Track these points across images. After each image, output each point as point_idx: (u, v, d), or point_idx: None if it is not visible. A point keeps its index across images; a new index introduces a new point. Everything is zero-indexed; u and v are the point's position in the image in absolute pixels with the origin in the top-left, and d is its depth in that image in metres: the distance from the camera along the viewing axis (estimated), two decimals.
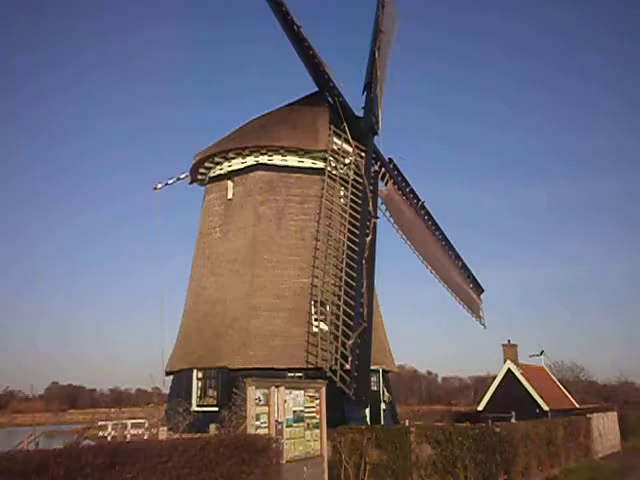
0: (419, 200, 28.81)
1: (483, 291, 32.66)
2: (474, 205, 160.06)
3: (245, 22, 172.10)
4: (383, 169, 26.88)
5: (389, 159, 27.67)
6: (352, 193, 23.61)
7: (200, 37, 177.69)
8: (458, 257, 31.05)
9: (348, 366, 19.94)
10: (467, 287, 31.61)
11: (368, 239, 22.78)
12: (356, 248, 22.24)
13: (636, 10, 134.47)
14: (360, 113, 25.95)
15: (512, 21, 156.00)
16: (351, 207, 23.21)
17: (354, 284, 21.48)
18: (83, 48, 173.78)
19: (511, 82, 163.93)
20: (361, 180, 24.02)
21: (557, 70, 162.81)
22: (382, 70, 27.17)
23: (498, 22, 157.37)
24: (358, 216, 23.08)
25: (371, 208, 23.81)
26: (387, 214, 26.96)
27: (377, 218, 24.15)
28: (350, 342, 20.27)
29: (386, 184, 27.10)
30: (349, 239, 22.41)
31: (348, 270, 21.69)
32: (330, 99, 25.11)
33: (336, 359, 19.98)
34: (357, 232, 22.58)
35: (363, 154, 25.03)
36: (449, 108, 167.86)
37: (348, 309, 20.80)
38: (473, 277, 31.98)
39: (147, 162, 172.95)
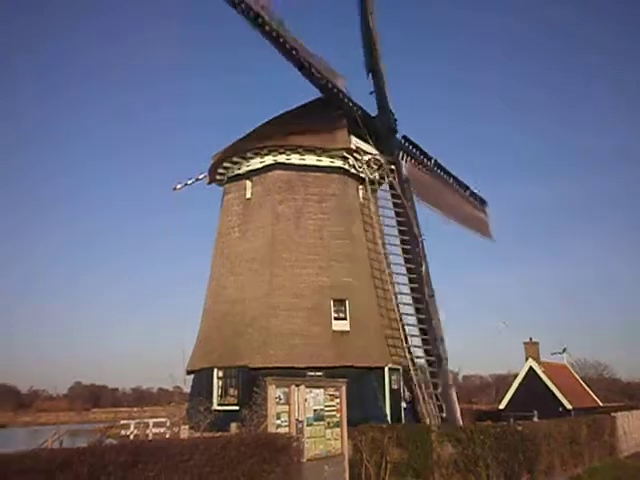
0: (431, 159, 29.22)
1: (485, 202, 33.44)
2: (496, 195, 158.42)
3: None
4: (402, 151, 27.13)
5: (403, 137, 27.85)
6: (398, 222, 24.49)
7: (210, 37, 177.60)
8: (465, 186, 31.60)
9: (444, 414, 21.58)
10: (477, 212, 32.56)
11: (423, 269, 23.59)
12: (416, 285, 23.53)
13: (636, 10, 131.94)
14: (368, 99, 26.49)
15: (512, 21, 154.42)
16: (402, 240, 24.28)
17: (426, 327, 22.86)
18: (83, 49, 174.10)
19: (512, 82, 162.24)
20: (400, 201, 24.41)
21: (557, 69, 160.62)
22: (379, 42, 26.98)
23: (498, 22, 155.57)
24: (409, 247, 24.12)
25: (416, 230, 24.19)
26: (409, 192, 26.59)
27: (423, 238, 24.76)
28: (439, 391, 21.20)
29: (406, 162, 27.29)
30: (410, 280, 23.69)
31: (419, 314, 23.18)
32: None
33: (436, 417, 21.55)
34: (413, 267, 23.69)
35: (393, 167, 25.12)
36: (449, 108, 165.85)
37: (429, 357, 22.60)
38: (476, 195, 32.56)
39: (154, 163, 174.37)
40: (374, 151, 25.22)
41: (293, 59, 21.64)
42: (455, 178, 30.94)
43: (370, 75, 26.65)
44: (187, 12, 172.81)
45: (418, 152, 28.66)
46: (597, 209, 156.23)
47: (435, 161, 29.50)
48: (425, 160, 29.05)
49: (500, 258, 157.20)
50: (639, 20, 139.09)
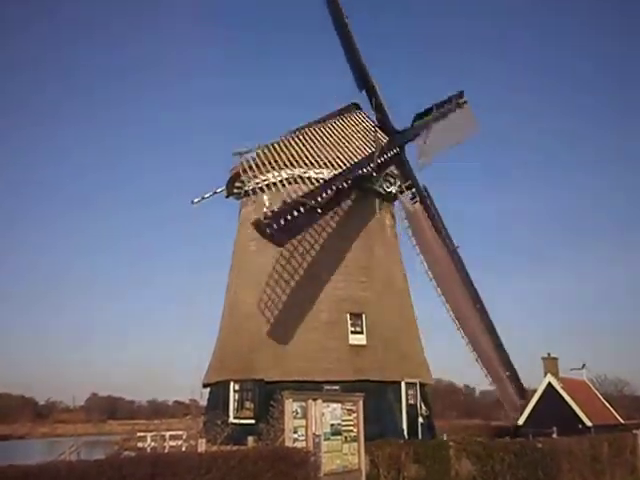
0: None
1: (462, 94, 28.27)
2: (516, 209, 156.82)
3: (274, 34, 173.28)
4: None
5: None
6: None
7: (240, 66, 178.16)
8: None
9: None
10: (457, 119, 27.89)
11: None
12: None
13: None
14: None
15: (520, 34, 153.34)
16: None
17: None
18: (99, 51, 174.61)
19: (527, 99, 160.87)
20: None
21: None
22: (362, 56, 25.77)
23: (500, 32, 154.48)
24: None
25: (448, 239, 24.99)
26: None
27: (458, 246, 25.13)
28: None
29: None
30: None
31: None
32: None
33: None
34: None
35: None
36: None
37: None
38: (450, 101, 27.47)
39: (170, 172, 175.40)
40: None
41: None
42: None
43: (364, 91, 26.25)
44: (203, 13, 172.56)
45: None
46: (620, 221, 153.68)
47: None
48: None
49: (515, 269, 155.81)
50: None
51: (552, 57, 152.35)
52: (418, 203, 25.75)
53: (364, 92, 26.12)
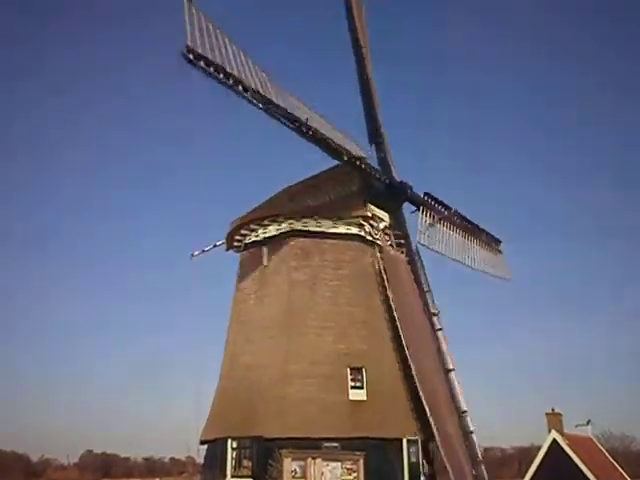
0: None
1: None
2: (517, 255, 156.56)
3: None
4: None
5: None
6: None
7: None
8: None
9: None
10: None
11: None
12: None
13: None
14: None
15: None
16: None
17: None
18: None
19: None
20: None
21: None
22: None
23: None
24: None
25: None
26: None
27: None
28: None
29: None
30: None
31: None
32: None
33: None
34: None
35: (403, 241, 25.90)
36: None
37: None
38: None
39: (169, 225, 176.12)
40: (389, 219, 25.51)
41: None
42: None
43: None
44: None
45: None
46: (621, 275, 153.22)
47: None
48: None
49: (517, 323, 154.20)
50: None
51: None
52: (428, 216, 26.55)
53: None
